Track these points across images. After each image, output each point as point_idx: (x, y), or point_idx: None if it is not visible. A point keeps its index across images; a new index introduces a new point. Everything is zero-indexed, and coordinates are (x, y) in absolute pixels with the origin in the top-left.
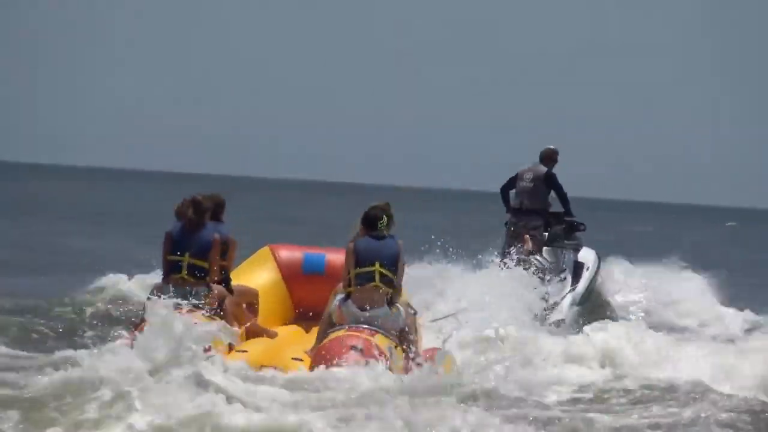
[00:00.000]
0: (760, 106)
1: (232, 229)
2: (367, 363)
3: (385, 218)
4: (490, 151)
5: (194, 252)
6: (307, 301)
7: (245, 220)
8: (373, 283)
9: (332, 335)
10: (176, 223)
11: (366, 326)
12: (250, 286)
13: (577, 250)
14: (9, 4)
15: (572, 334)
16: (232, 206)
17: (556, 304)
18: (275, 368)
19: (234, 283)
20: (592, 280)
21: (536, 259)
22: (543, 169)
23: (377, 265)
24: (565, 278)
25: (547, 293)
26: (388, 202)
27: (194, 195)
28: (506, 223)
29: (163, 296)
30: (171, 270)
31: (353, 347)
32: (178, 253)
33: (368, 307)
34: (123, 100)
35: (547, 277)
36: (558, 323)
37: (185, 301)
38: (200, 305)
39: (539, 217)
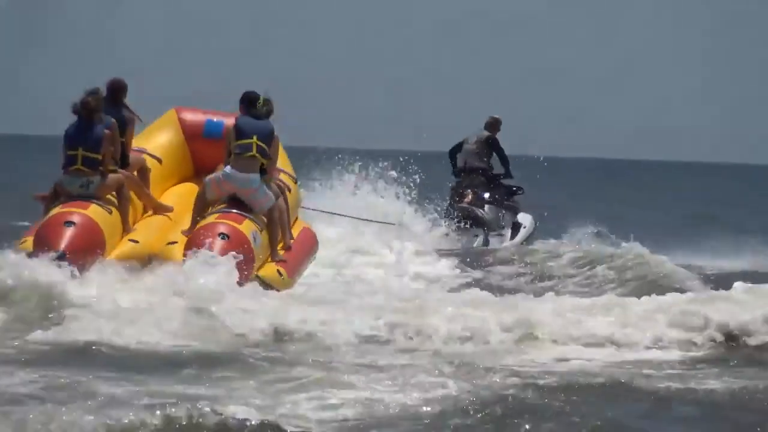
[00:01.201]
0: None
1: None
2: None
3: (262, 99)
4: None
5: (87, 146)
6: (205, 162)
7: None
8: (250, 153)
9: (203, 222)
10: (72, 122)
11: (235, 210)
12: (135, 150)
13: (515, 212)
14: None
15: None
16: None
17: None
18: (157, 258)
19: (138, 145)
20: (528, 239)
21: (477, 211)
22: (486, 133)
23: (254, 138)
24: (503, 234)
25: (487, 241)
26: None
27: (84, 95)
28: (451, 186)
29: (64, 185)
30: (68, 163)
31: (221, 234)
32: (73, 148)
33: (243, 170)
34: None
35: (486, 230)
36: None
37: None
38: (92, 197)
39: (480, 176)
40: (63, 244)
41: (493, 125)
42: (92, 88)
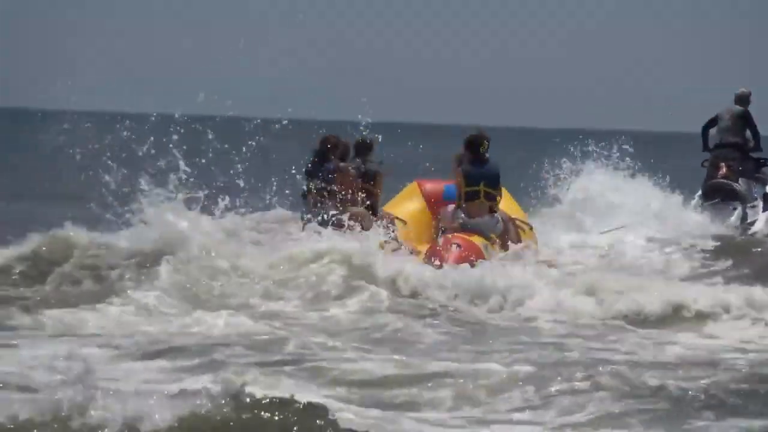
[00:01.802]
0: None
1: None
2: (463, 256)
3: (485, 143)
4: None
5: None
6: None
7: None
8: (479, 200)
9: (441, 237)
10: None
11: (468, 229)
12: (386, 212)
13: (765, 183)
14: None
15: None
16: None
17: (752, 223)
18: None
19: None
20: None
21: (734, 185)
22: (740, 108)
23: (482, 185)
24: (755, 206)
25: (745, 214)
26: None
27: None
28: (703, 163)
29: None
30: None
31: (454, 244)
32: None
33: (473, 216)
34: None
35: (744, 203)
36: (754, 234)
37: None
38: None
39: (736, 150)
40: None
41: (744, 99)
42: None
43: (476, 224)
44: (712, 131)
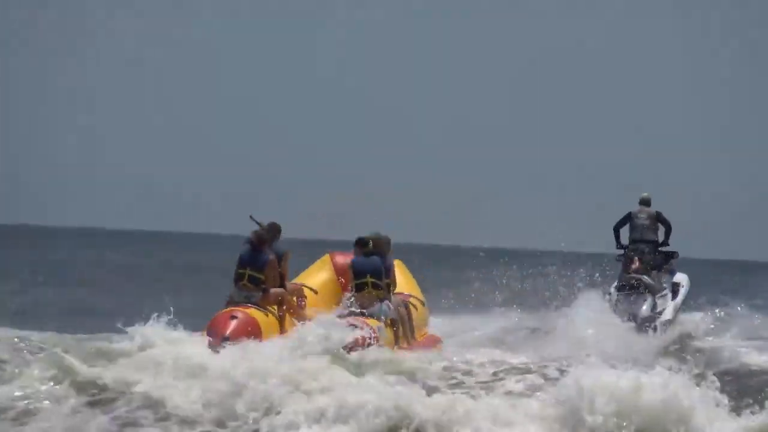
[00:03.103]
0: None
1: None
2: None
3: (370, 242)
4: None
5: (253, 267)
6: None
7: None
8: (366, 290)
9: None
10: (243, 246)
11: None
12: (295, 283)
13: (673, 273)
14: None
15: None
16: None
17: (661, 312)
18: None
19: (299, 281)
20: (686, 295)
21: (644, 278)
22: (653, 210)
23: (368, 276)
24: (665, 294)
25: (654, 304)
26: (378, 232)
27: (257, 230)
28: (617, 258)
29: (233, 296)
30: (238, 279)
31: (352, 325)
32: (243, 268)
33: (365, 307)
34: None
35: (654, 293)
36: (664, 324)
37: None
38: (256, 304)
39: (650, 245)
40: (227, 331)
41: (649, 201)
42: (267, 224)
43: (368, 312)
44: (623, 230)
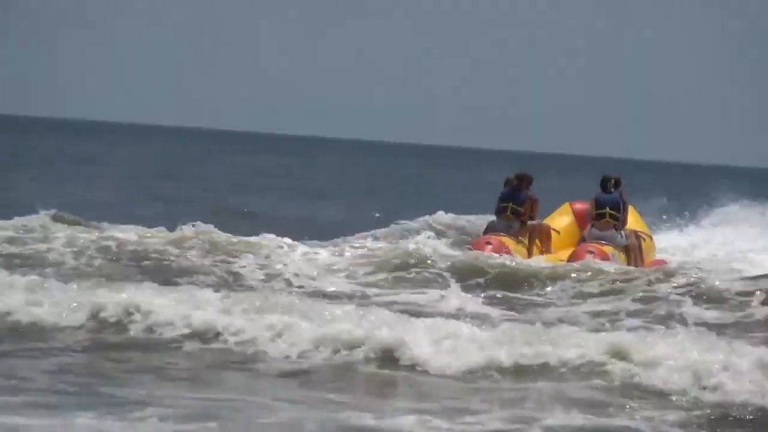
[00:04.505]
0: None
1: None
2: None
3: (612, 180)
4: None
5: (515, 202)
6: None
7: None
8: (605, 220)
9: (581, 246)
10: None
11: (602, 241)
12: (543, 223)
13: None
14: None
15: None
16: None
17: None
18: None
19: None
20: None
21: None
22: None
23: (607, 208)
24: None
25: None
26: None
27: (518, 173)
28: None
29: (495, 226)
30: (500, 211)
31: (589, 251)
32: (505, 202)
33: (603, 231)
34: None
35: None
36: None
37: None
38: (515, 234)
39: None
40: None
41: None
42: (521, 173)
43: (603, 236)
44: None
